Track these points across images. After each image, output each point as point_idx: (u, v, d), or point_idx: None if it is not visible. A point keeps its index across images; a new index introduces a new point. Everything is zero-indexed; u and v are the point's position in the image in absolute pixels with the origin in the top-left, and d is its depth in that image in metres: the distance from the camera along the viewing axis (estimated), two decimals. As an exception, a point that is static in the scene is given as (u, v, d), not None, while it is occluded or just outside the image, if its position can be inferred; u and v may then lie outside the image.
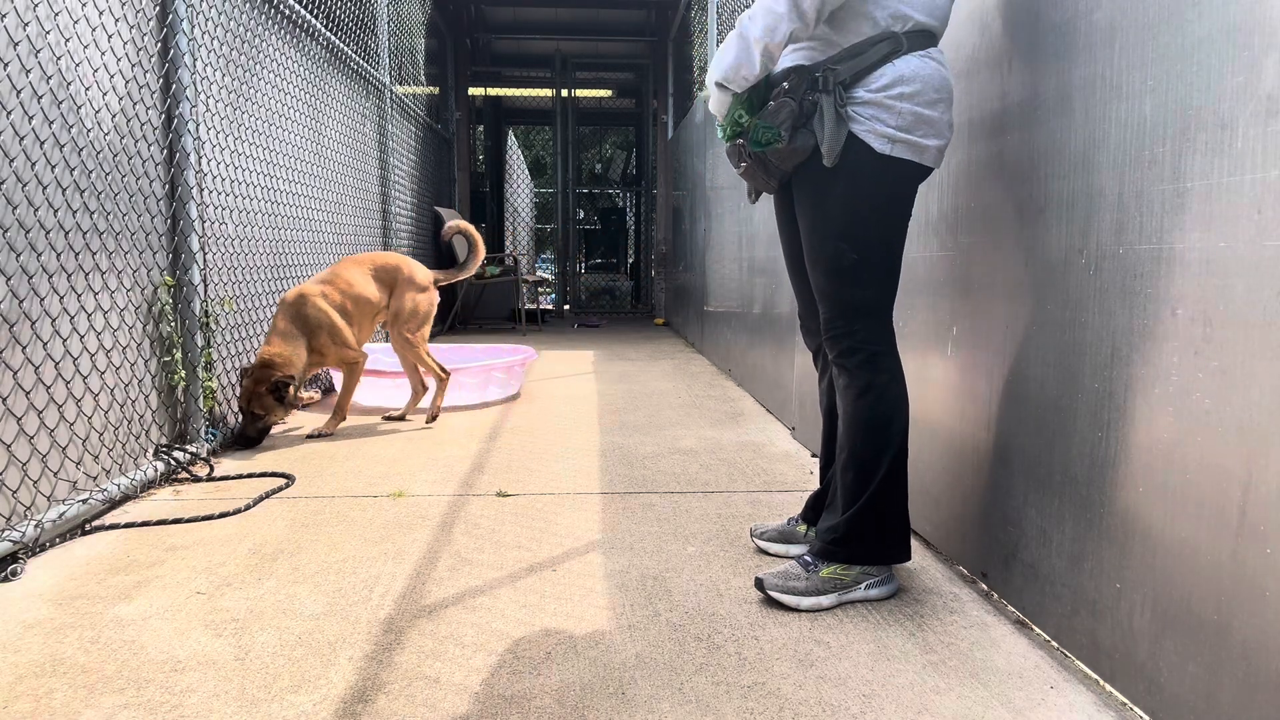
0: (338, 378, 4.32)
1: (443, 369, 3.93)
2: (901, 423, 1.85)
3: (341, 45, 4.93)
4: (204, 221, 3.17)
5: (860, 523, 1.85)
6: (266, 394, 3.24)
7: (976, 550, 1.97)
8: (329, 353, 3.55)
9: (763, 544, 2.21)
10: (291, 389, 3.27)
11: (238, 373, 3.36)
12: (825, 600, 1.85)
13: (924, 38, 1.77)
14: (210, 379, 3.18)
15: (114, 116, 2.61)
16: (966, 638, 1.72)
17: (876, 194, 1.79)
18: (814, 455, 3.24)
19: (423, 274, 3.95)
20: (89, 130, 2.47)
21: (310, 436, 3.56)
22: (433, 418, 3.87)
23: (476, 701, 1.48)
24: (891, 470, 1.84)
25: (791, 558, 2.13)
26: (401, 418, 3.91)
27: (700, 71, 7.35)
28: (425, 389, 3.97)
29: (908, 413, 1.87)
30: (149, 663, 1.61)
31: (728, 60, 1.78)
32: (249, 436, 3.30)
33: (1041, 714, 1.44)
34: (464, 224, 4.19)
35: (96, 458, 2.50)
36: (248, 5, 3.63)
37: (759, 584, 1.89)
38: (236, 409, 3.46)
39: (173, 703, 1.47)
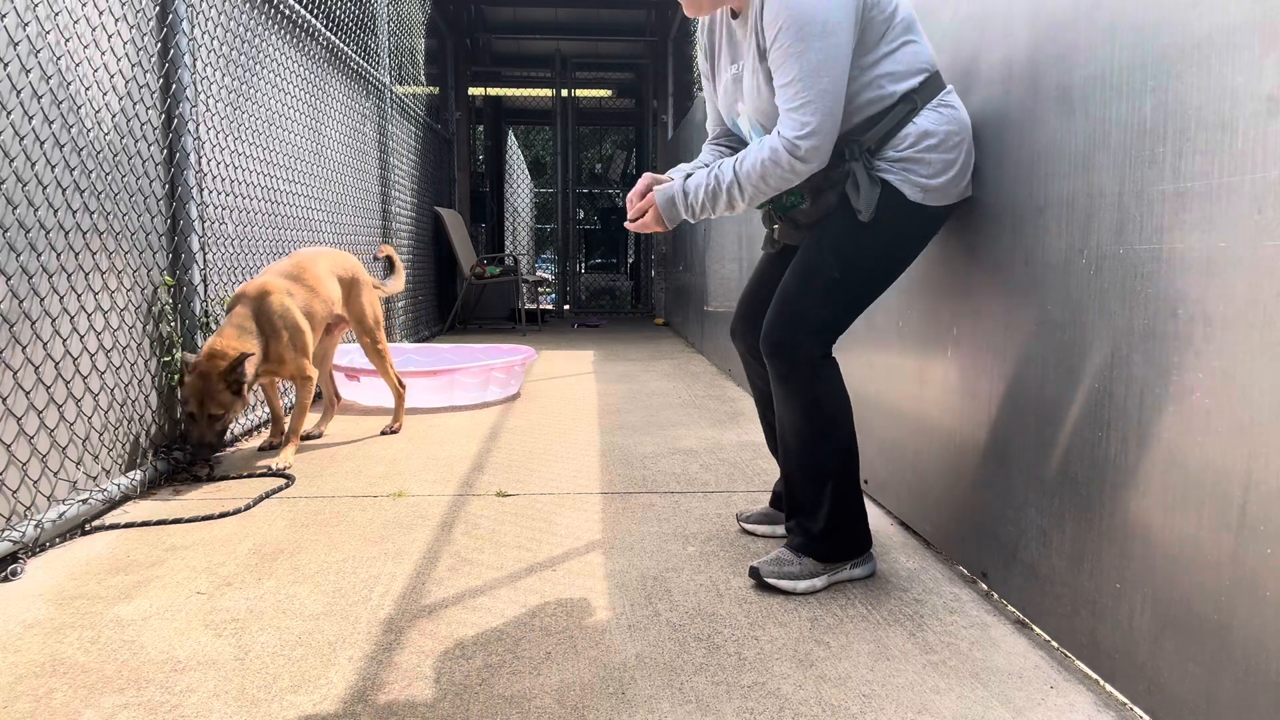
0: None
1: (401, 381, 3.80)
2: (846, 423, 1.94)
3: (341, 45, 4.93)
4: (204, 221, 3.17)
5: (834, 526, 1.94)
6: (222, 388, 2.77)
7: (976, 550, 1.97)
8: (288, 361, 3.08)
9: (749, 527, 2.33)
10: (249, 369, 2.84)
11: (176, 374, 2.87)
12: (819, 582, 1.94)
13: (932, 86, 1.85)
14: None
15: (114, 116, 2.61)
16: (966, 638, 1.72)
17: (897, 234, 1.87)
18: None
19: (368, 274, 3.75)
20: (89, 130, 2.47)
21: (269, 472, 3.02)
22: (395, 430, 3.69)
23: (476, 701, 1.48)
24: (846, 471, 1.94)
25: (778, 537, 2.27)
26: (398, 430, 3.71)
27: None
28: (405, 386, 3.84)
29: (851, 413, 1.95)
30: (149, 663, 1.61)
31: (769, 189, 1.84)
32: (209, 443, 2.81)
33: (1041, 714, 1.44)
34: (389, 249, 4.09)
35: (96, 458, 2.50)
36: (248, 5, 3.63)
37: (754, 573, 1.95)
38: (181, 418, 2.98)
39: (173, 703, 1.47)
